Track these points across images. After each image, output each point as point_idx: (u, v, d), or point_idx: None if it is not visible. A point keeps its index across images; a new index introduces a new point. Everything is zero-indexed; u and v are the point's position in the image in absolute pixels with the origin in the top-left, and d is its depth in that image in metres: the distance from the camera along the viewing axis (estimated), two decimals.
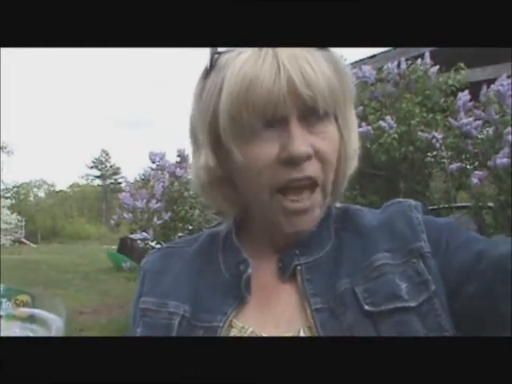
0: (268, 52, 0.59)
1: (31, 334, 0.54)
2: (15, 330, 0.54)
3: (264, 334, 0.61)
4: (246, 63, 0.59)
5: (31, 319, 0.54)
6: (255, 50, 0.60)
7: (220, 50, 0.64)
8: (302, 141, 0.58)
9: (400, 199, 0.69)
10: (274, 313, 0.63)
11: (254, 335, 0.61)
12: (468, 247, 0.60)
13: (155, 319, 0.67)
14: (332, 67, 0.62)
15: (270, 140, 0.59)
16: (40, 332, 0.55)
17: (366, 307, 0.59)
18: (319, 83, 0.58)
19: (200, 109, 0.64)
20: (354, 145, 0.66)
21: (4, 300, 0.54)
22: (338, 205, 0.70)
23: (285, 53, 0.59)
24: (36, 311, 0.54)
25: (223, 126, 0.60)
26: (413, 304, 0.59)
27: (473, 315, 0.59)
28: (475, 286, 0.58)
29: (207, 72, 0.64)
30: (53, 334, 0.55)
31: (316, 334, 0.60)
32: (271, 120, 0.59)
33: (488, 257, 0.58)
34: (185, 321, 0.64)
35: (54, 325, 0.54)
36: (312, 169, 0.59)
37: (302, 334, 0.60)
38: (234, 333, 0.62)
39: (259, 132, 0.59)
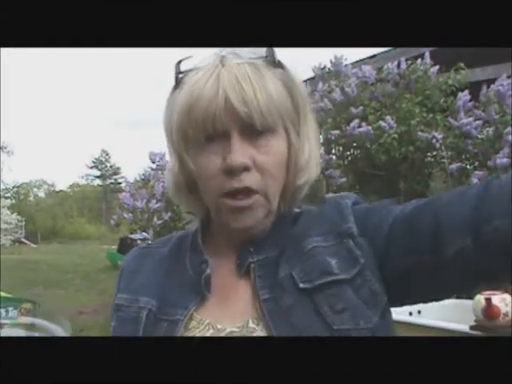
0: (214, 73, 0.65)
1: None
2: (20, 335, 0.56)
3: (219, 326, 0.67)
4: (194, 84, 0.66)
5: (32, 327, 0.56)
6: (208, 69, 0.66)
7: (183, 68, 0.69)
8: (239, 153, 0.64)
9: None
10: (232, 308, 0.69)
11: (209, 327, 0.67)
12: (387, 217, 0.67)
13: (127, 313, 0.73)
14: (284, 86, 0.68)
15: (214, 152, 0.66)
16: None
17: (302, 285, 0.65)
18: (257, 101, 0.64)
19: (164, 123, 0.73)
20: (307, 156, 0.71)
21: (11, 309, 0.57)
22: (296, 209, 0.75)
23: (227, 73, 0.64)
24: (36, 320, 0.57)
25: (176, 140, 0.70)
26: (344, 276, 0.65)
27: (400, 277, 0.65)
28: (396, 248, 0.65)
29: (173, 90, 0.71)
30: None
31: (263, 324, 0.65)
32: (213, 134, 0.65)
33: (400, 217, 0.66)
34: (151, 314, 0.70)
35: (57, 334, 0.56)
36: (250, 179, 0.65)
37: (250, 324, 0.66)
38: (193, 324, 0.68)
39: (205, 145, 0.66)
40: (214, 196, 0.67)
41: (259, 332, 0.64)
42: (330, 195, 3.77)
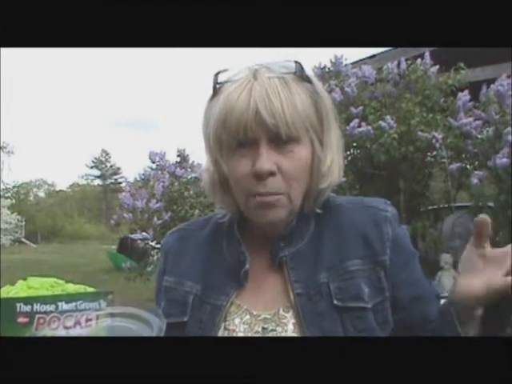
0: (247, 86, 0.72)
1: (134, 328, 0.59)
2: (115, 323, 0.58)
3: (254, 312, 0.77)
4: (229, 95, 0.73)
5: (133, 317, 0.59)
6: (242, 82, 0.72)
7: (220, 80, 0.75)
8: (266, 159, 0.72)
9: (380, 205, 0.82)
10: (263, 295, 0.79)
11: (247, 312, 0.77)
12: (414, 287, 0.78)
13: (174, 295, 0.82)
14: (311, 99, 0.74)
15: (245, 157, 0.74)
16: (141, 328, 0.59)
17: (335, 302, 0.74)
18: (283, 114, 0.71)
19: (203, 127, 0.80)
20: (329, 162, 0.78)
21: (101, 301, 0.61)
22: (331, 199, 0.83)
23: (259, 87, 0.71)
24: (135, 310, 0.60)
25: (212, 143, 0.77)
26: (370, 305, 0.75)
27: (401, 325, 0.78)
28: (405, 317, 0.77)
29: (210, 98, 0.78)
30: (155, 333, 0.58)
31: (294, 313, 0.74)
32: (244, 141, 0.73)
33: (420, 305, 0.77)
34: (197, 298, 0.80)
35: (156, 324, 0.59)
36: (274, 183, 0.73)
37: (281, 312, 0.76)
38: (232, 309, 0.78)
39: (237, 150, 0.74)
40: (244, 195, 0.76)
41: (289, 319, 0.74)
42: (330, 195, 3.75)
